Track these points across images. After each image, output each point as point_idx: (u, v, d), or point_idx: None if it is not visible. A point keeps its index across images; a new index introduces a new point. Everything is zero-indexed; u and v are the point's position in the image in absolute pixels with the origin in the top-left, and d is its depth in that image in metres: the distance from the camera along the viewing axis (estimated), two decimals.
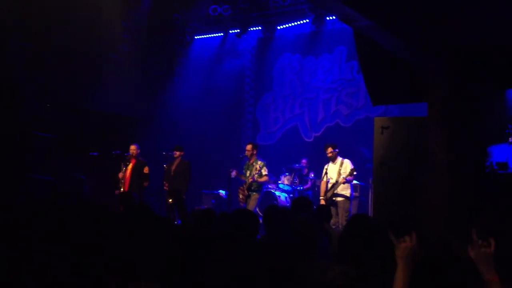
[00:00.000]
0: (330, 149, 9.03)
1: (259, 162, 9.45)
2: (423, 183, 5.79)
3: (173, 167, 9.84)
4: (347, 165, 8.88)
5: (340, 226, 8.47)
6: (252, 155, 9.54)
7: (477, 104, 5.60)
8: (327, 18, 12.38)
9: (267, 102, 13.70)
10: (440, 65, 5.49)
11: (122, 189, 9.45)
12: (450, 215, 5.40)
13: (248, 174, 9.45)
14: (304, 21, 12.75)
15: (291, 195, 11.02)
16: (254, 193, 9.37)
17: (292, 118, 13.27)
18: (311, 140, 12.85)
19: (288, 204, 10.50)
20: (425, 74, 5.83)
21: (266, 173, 9.42)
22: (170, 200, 9.37)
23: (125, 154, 9.68)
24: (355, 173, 8.77)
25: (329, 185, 8.92)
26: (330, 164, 9.08)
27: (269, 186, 10.96)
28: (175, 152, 9.88)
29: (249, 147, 9.62)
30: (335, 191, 8.79)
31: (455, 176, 5.49)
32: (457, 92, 5.58)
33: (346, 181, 8.74)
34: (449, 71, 5.51)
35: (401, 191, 6.40)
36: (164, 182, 9.81)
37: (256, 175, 9.33)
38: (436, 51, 5.21)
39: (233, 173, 9.61)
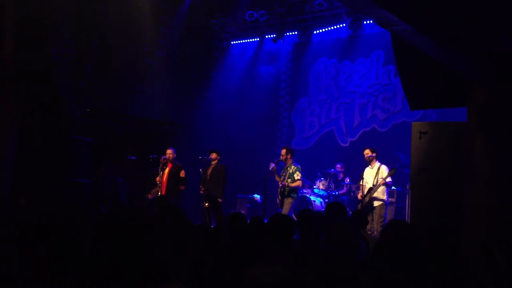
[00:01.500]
0: (367, 151, 9.00)
1: (292, 167, 9.42)
2: (462, 190, 5.68)
3: (209, 171, 9.87)
4: (384, 170, 8.82)
5: (375, 232, 8.38)
6: (286, 159, 9.53)
7: None
8: (364, 22, 12.31)
9: (303, 107, 13.66)
10: (481, 70, 5.38)
11: (159, 193, 9.56)
12: (490, 222, 5.27)
13: (281, 179, 9.45)
14: (341, 25, 12.70)
15: (326, 200, 10.96)
16: (288, 198, 9.32)
17: (328, 123, 13.19)
18: (347, 145, 12.75)
19: (323, 209, 10.43)
20: (464, 79, 5.72)
21: (298, 178, 9.36)
22: (206, 204, 9.46)
23: (162, 158, 9.79)
24: (394, 171, 8.67)
25: (365, 190, 8.86)
26: (367, 168, 9.05)
27: (304, 191, 10.93)
28: (211, 155, 9.90)
29: (283, 151, 9.63)
30: (373, 195, 8.74)
31: (494, 183, 5.36)
32: (497, 98, 5.45)
33: (386, 183, 8.68)
34: (489, 77, 5.39)
35: (439, 197, 6.29)
36: (200, 186, 9.89)
37: (288, 180, 9.31)
38: (476, 57, 5.11)
39: (272, 165, 9.62)
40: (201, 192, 9.84)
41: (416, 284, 2.57)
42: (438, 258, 2.55)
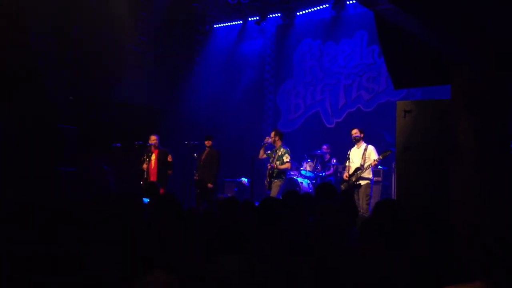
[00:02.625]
0: (356, 130, 9.04)
1: (282, 149, 9.49)
2: (448, 168, 5.73)
3: (203, 157, 9.96)
4: (371, 151, 8.88)
5: (361, 211, 8.46)
6: (275, 141, 9.59)
7: (501, 85, 5.50)
8: (347, 3, 12.28)
9: (288, 89, 13.65)
10: (463, 46, 5.40)
11: (146, 181, 9.53)
12: (476, 199, 5.34)
13: (270, 161, 9.51)
14: (324, 6, 12.65)
15: (314, 181, 11.02)
16: (276, 180, 9.40)
17: (313, 105, 13.21)
18: (333, 126, 12.79)
19: (310, 190, 10.51)
20: (448, 56, 5.74)
21: (287, 160, 9.44)
22: (199, 191, 9.55)
23: (147, 144, 9.76)
24: (389, 152, 8.69)
25: (351, 170, 8.90)
26: (354, 148, 9.07)
27: (292, 173, 10.98)
28: (205, 141, 9.99)
29: (272, 134, 9.73)
30: (361, 175, 8.78)
31: (479, 159, 5.42)
32: (481, 74, 5.49)
33: (378, 163, 8.77)
34: (473, 54, 5.42)
35: (424, 175, 6.34)
36: (194, 172, 9.96)
37: (277, 162, 9.38)
38: (458, 33, 5.12)
39: (267, 139, 9.76)
40: (194, 177, 9.91)
41: (403, 261, 2.60)
42: (426, 235, 2.58)
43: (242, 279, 2.16)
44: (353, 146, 9.15)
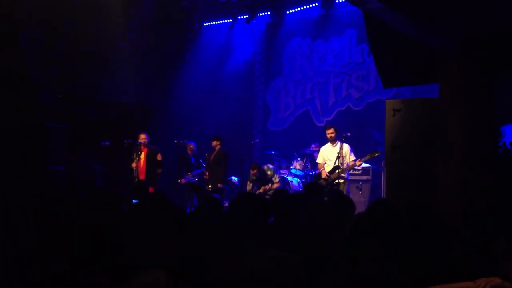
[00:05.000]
0: (332, 130, 9.07)
1: (269, 171, 9.80)
2: (436, 165, 5.77)
3: (212, 157, 10.27)
4: (347, 150, 8.96)
5: None
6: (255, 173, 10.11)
7: (489, 83, 5.54)
8: (337, 1, 12.29)
9: (278, 88, 13.65)
10: (453, 45, 5.43)
11: (136, 179, 9.50)
12: (464, 196, 5.37)
13: (261, 190, 9.94)
14: (313, 4, 12.66)
15: (303, 180, 11.03)
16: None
17: (303, 103, 13.22)
18: (323, 124, 12.79)
19: (300, 189, 10.52)
20: (437, 55, 5.78)
21: (277, 180, 10.06)
22: (210, 186, 9.73)
23: (136, 143, 9.72)
24: (378, 154, 8.69)
25: (328, 168, 8.95)
26: (328, 146, 9.13)
27: (282, 172, 11.01)
28: (212, 142, 10.34)
29: (269, 172, 10.23)
30: (341, 174, 8.81)
31: (468, 157, 5.45)
32: (469, 72, 5.52)
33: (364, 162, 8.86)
34: (461, 52, 5.45)
35: (413, 173, 6.38)
36: (205, 171, 10.37)
37: (272, 185, 9.95)
38: (449, 32, 5.15)
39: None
40: (205, 177, 10.31)
41: (396, 259, 2.61)
42: (417, 232, 2.59)
43: (238, 278, 2.15)
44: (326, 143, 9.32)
